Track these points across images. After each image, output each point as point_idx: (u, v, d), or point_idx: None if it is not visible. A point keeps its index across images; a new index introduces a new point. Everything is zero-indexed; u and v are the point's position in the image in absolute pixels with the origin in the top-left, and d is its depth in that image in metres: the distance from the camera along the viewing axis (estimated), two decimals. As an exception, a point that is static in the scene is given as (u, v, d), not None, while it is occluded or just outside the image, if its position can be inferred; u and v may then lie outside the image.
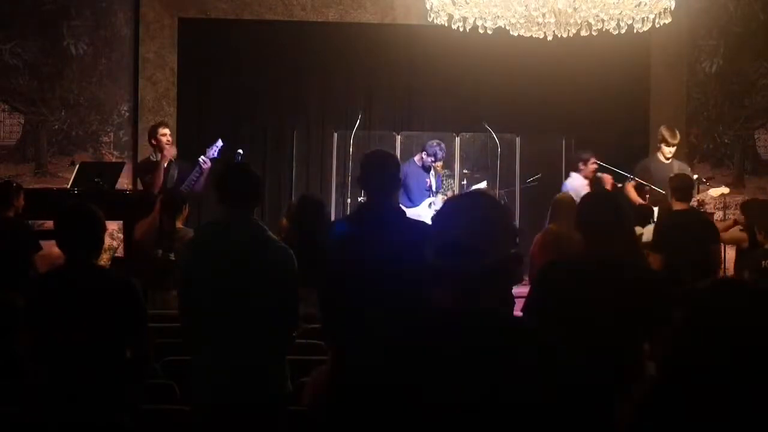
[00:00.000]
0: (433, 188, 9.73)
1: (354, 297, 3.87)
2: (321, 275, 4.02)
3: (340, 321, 3.92)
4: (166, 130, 8.88)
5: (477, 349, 2.06)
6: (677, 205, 7.11)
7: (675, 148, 9.09)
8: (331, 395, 3.81)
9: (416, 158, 9.71)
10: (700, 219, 7.30)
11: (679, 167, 9.10)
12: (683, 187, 7.20)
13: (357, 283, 3.87)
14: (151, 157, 8.85)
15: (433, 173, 9.77)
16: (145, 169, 8.85)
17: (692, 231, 6.87)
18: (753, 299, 2.10)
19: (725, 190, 9.42)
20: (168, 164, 8.75)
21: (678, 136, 9.14)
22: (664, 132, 9.11)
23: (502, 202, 9.79)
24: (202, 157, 8.67)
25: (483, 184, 9.94)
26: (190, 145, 10.79)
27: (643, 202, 8.88)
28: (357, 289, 3.86)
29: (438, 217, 2.21)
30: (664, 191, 8.60)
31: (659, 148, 9.15)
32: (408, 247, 3.51)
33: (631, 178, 9.12)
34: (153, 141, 8.84)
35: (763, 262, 7.07)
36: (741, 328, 2.06)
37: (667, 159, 9.11)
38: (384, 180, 4.03)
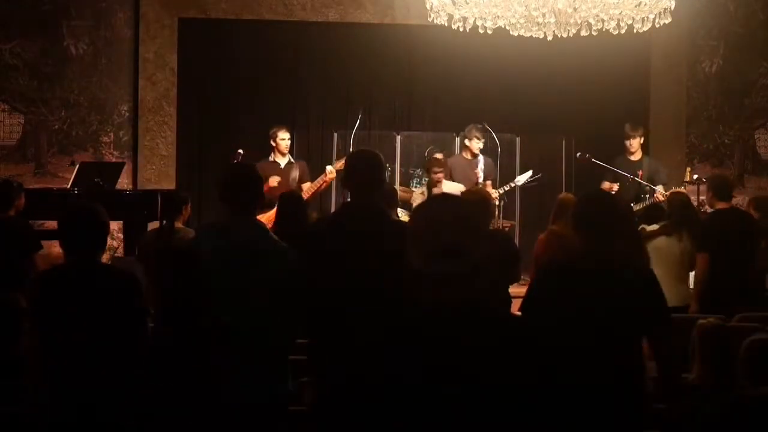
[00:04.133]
0: (480, 178, 9.40)
1: (335, 296, 3.90)
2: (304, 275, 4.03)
3: (322, 320, 3.95)
4: (286, 135, 9.22)
5: (475, 347, 2.06)
6: (719, 204, 7.14)
7: (636, 140, 9.21)
8: (323, 393, 3.83)
9: (463, 151, 9.65)
10: (744, 218, 7.31)
11: (651, 165, 9.23)
12: (722, 186, 7.22)
13: (338, 282, 3.90)
14: (270, 158, 9.18)
15: (481, 162, 9.49)
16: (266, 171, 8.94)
17: (737, 229, 6.90)
18: None
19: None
20: (288, 166, 9.15)
21: (639, 129, 9.31)
22: (626, 127, 9.34)
23: (502, 202, 9.80)
24: (329, 167, 9.13)
25: (528, 174, 9.78)
26: (190, 145, 10.83)
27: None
28: (338, 289, 3.89)
29: (419, 221, 2.18)
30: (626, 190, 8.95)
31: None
32: (388, 246, 3.53)
33: (631, 178, 9.12)
34: (272, 143, 9.23)
35: None
36: None
37: (632, 153, 9.24)
38: (364, 179, 4.05)
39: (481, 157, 9.52)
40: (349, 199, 4.21)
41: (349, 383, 2.14)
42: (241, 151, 9.12)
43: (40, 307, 3.93)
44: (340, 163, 9.09)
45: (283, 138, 9.18)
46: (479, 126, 9.56)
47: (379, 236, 3.89)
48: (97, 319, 3.81)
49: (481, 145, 9.51)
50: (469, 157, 9.56)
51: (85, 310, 3.81)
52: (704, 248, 6.96)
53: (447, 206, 2.18)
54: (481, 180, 9.37)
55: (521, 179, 9.66)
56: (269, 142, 9.28)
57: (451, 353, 2.05)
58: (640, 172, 9.06)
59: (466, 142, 9.56)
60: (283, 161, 9.21)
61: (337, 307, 3.90)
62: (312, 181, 9.28)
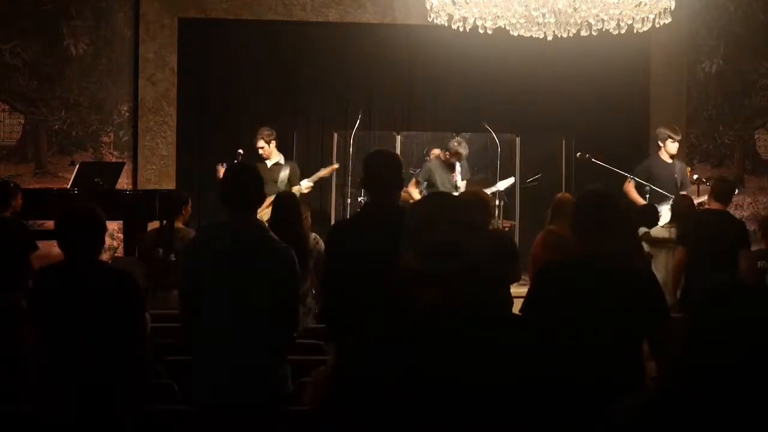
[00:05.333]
0: (458, 184, 9.62)
1: (354, 296, 3.91)
2: (323, 274, 4.08)
3: (341, 321, 3.96)
4: (260, 141, 9.20)
5: (475, 347, 2.06)
6: (713, 205, 7.22)
7: (678, 144, 9.14)
8: (331, 390, 3.82)
9: (441, 155, 9.82)
10: (733, 222, 7.35)
11: (681, 167, 9.15)
12: (723, 190, 7.30)
13: (357, 282, 3.91)
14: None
15: (459, 166, 9.70)
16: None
17: (720, 231, 6.95)
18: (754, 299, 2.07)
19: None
20: (275, 167, 9.08)
21: (680, 132, 9.19)
22: (667, 130, 9.13)
23: (502, 202, 9.81)
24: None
25: (510, 180, 9.90)
26: (189, 145, 10.83)
27: (644, 202, 8.84)
28: (357, 288, 3.89)
29: (415, 220, 2.18)
30: (669, 192, 8.66)
31: (661, 147, 9.14)
32: None
33: (631, 178, 9.11)
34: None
35: (760, 262, 7.12)
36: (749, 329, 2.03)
37: (672, 157, 9.12)
38: (384, 179, 4.08)
39: (458, 163, 9.68)
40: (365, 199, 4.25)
41: (350, 383, 2.13)
42: (241, 151, 9.12)
43: (40, 306, 3.94)
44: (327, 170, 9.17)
45: (261, 147, 9.17)
46: (455, 137, 9.78)
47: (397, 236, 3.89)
48: (96, 319, 3.82)
49: (454, 161, 9.59)
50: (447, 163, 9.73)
51: (84, 309, 3.81)
52: (683, 242, 7.12)
53: (442, 204, 2.17)
54: (459, 184, 9.56)
55: (502, 185, 9.73)
56: None
57: (451, 354, 2.04)
58: (675, 176, 9.02)
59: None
60: (269, 162, 9.15)
61: (356, 307, 3.91)
62: (302, 182, 9.22)
